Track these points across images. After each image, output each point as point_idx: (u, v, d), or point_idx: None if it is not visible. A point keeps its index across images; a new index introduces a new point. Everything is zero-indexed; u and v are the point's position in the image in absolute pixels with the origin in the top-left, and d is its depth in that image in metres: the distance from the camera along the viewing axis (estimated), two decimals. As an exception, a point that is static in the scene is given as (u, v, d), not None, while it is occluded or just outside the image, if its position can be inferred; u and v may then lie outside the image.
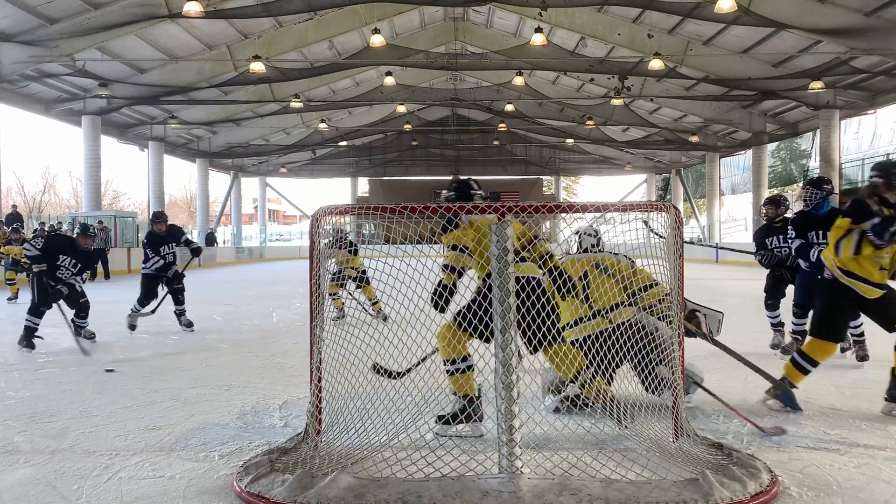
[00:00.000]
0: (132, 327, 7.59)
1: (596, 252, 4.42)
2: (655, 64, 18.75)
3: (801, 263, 5.65)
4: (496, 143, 39.23)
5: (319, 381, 3.20)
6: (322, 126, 31.13)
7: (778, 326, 6.35)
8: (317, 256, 3.24)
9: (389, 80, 22.48)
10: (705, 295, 12.23)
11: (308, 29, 20.70)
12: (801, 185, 30.56)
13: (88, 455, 3.32)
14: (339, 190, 45.88)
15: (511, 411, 2.82)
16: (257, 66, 18.67)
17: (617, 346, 3.45)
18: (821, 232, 5.35)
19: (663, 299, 4.06)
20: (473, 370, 3.60)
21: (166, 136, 28.26)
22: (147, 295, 7.77)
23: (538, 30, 17.83)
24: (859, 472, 2.97)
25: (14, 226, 12.65)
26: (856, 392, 4.51)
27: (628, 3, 17.33)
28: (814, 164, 26.56)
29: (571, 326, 4.15)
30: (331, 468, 2.87)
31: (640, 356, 3.70)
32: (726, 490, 2.61)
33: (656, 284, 4.13)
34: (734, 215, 39.81)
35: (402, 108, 28.73)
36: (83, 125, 22.44)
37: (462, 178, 5.05)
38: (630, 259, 4.30)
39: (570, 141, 35.34)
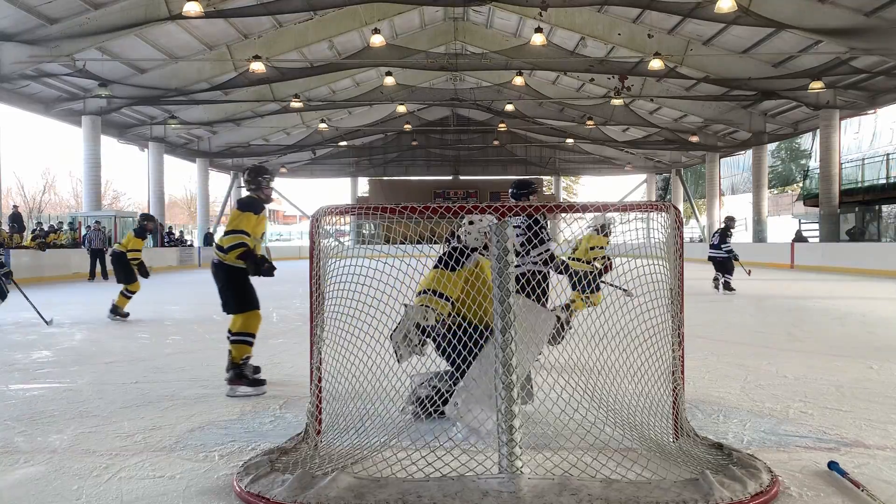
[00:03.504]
0: None
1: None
2: (655, 64, 18.77)
3: None
4: (496, 143, 39.25)
5: (319, 381, 3.20)
6: (322, 126, 31.15)
7: None
8: (317, 256, 3.24)
9: (389, 80, 22.49)
10: (703, 295, 12.26)
11: (308, 29, 20.72)
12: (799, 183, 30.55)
13: (88, 455, 3.32)
14: (339, 190, 45.96)
15: (511, 411, 2.82)
16: (257, 66, 18.69)
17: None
18: None
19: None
20: None
21: (166, 136, 28.28)
22: None
23: (538, 30, 17.86)
24: (859, 472, 2.97)
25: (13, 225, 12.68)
26: (856, 392, 4.51)
27: (628, 3, 17.35)
28: (814, 165, 26.57)
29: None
30: (331, 468, 2.87)
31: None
32: (726, 490, 2.61)
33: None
34: (734, 215, 39.86)
35: (402, 108, 28.76)
36: (83, 125, 22.46)
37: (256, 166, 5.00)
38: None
39: (570, 141, 35.36)
